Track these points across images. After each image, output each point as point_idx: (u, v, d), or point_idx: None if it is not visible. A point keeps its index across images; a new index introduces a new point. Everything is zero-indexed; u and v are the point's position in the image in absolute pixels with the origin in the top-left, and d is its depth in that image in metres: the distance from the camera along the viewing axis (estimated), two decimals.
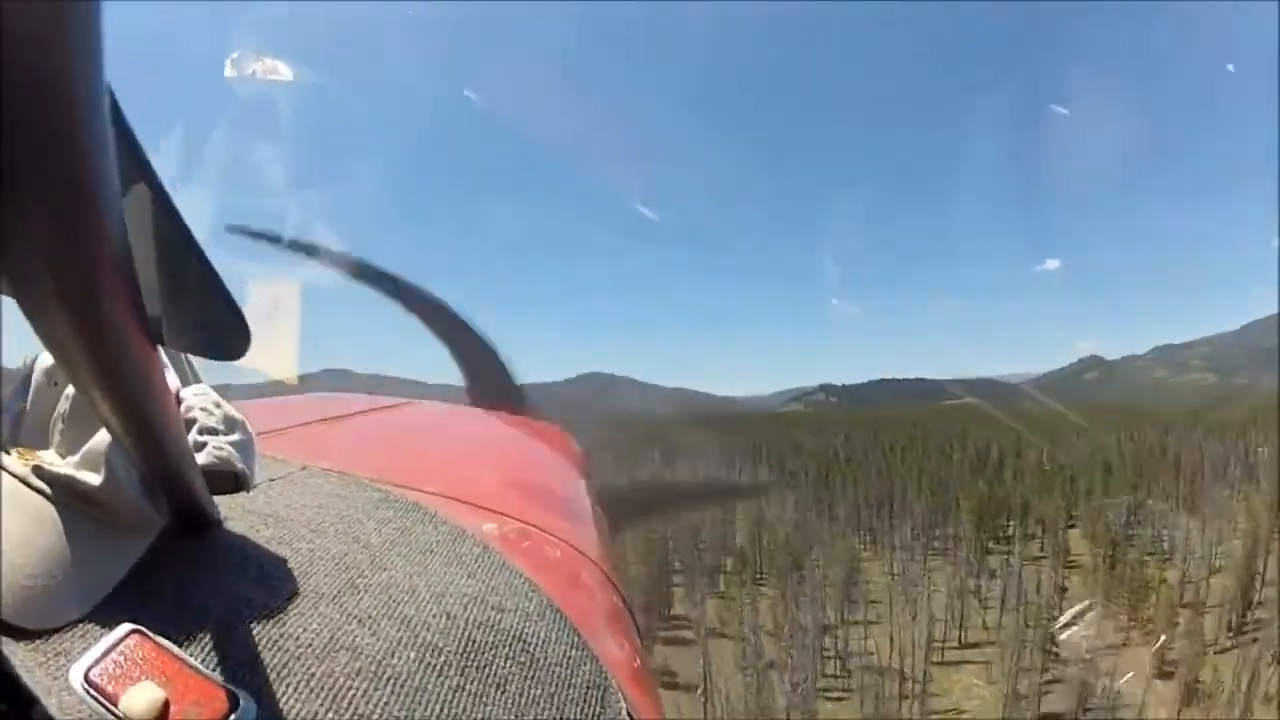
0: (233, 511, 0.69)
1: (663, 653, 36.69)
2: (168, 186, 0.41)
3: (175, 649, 0.48)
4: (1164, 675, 35.52)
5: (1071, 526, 50.41)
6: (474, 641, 0.63)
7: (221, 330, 0.47)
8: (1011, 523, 52.38)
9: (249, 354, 0.47)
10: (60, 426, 0.63)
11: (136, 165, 0.38)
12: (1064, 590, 42.57)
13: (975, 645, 41.07)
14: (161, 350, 0.46)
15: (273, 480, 0.82)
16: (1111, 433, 71.45)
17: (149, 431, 0.49)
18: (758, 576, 47.31)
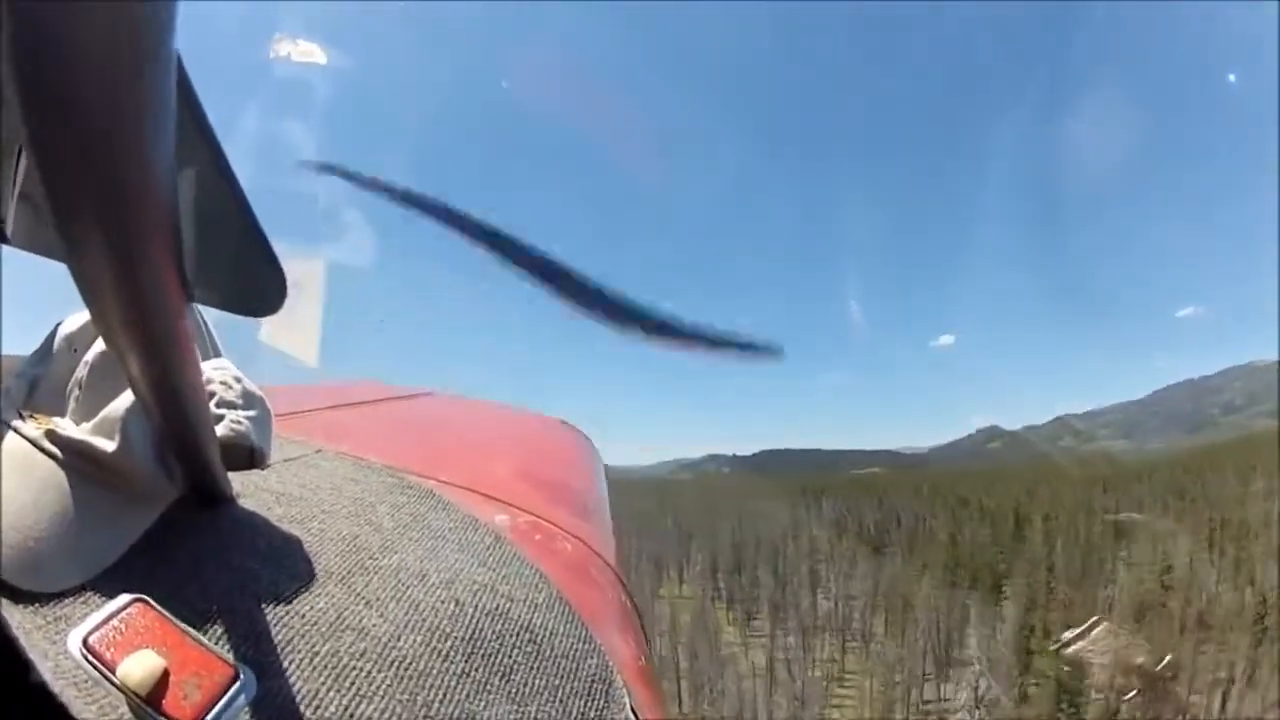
0: (246, 488, 0.69)
1: None
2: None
3: (178, 620, 0.47)
4: None
5: None
6: (481, 629, 0.63)
7: (256, 283, 0.46)
8: None
9: (276, 321, 0.46)
10: (77, 393, 0.62)
11: (192, 116, 0.37)
12: None
13: None
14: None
15: (288, 460, 0.82)
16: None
17: (172, 391, 0.49)
18: None
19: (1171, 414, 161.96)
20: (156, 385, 0.48)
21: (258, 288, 0.47)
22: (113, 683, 0.42)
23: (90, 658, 0.42)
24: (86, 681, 0.42)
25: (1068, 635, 40.23)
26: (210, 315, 0.68)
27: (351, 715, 0.50)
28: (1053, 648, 39.46)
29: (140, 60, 0.28)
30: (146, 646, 0.44)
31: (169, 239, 0.37)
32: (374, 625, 0.57)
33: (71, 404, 0.62)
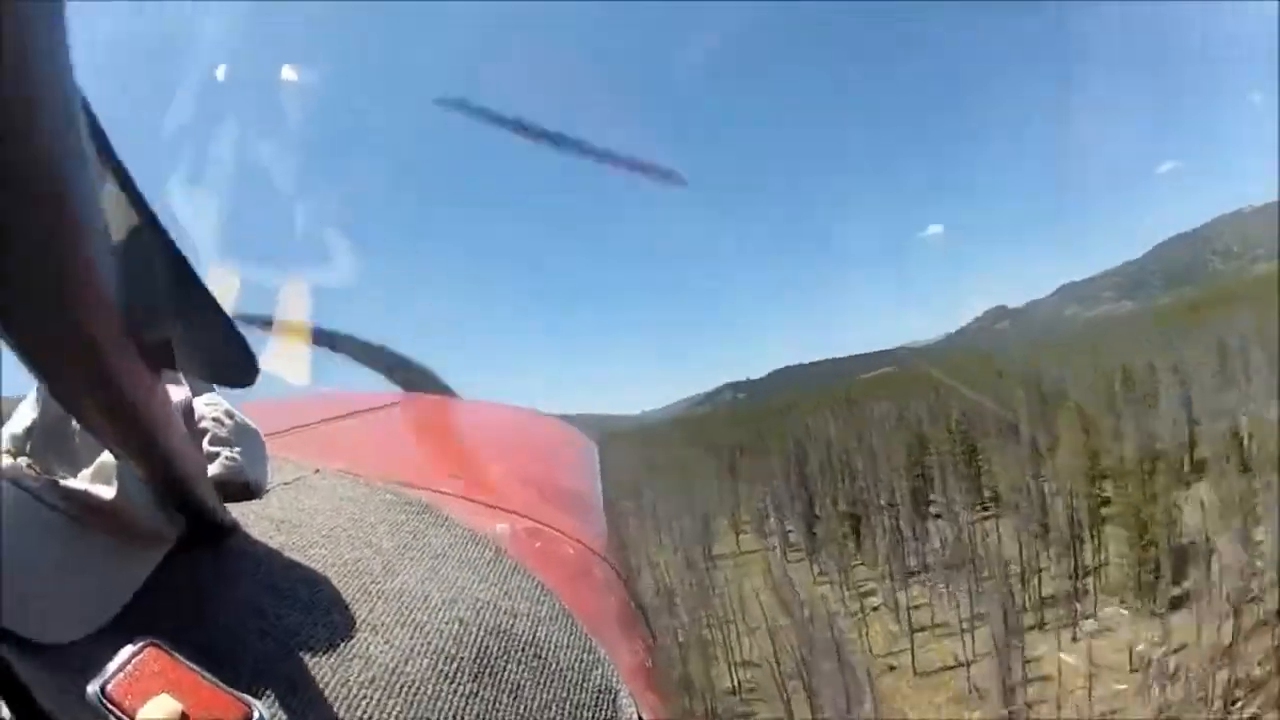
0: (246, 517, 0.69)
1: None
2: (156, 208, 0.41)
3: (189, 661, 0.47)
4: None
5: None
6: (487, 648, 0.63)
7: (228, 358, 0.48)
8: None
9: (260, 371, 0.48)
10: (74, 439, 0.61)
11: (120, 183, 0.38)
12: None
13: None
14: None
15: (285, 484, 0.82)
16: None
17: (155, 454, 0.49)
18: None
19: (1171, 269, 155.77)
20: (136, 454, 0.48)
21: (227, 359, 0.47)
22: None
23: (110, 706, 0.42)
24: None
25: None
26: None
27: None
28: None
29: (48, 132, 0.26)
30: (162, 691, 0.44)
31: (114, 314, 0.36)
32: (380, 652, 0.57)
33: (68, 450, 0.61)
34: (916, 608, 32.73)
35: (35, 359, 0.35)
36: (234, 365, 0.48)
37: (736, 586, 38.13)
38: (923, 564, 34.98)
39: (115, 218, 0.38)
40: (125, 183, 0.38)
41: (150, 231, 0.40)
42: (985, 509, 38.94)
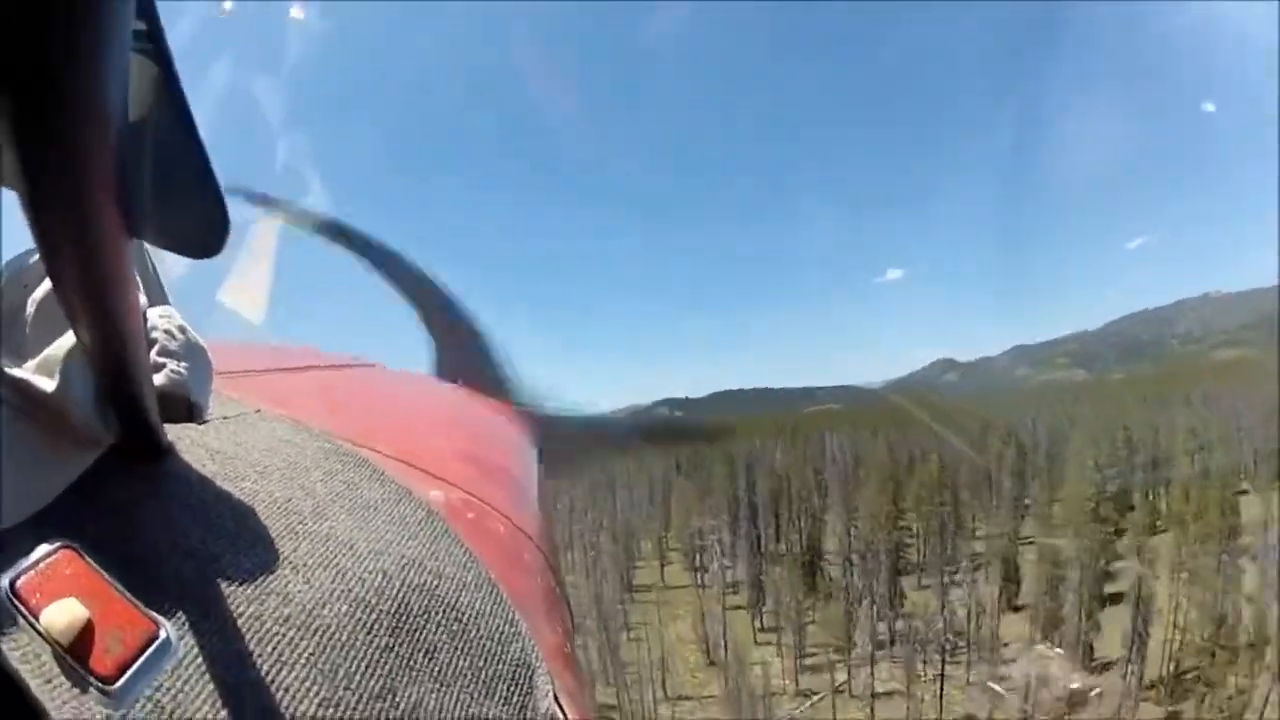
0: (181, 442, 0.67)
1: None
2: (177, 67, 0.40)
3: (104, 571, 0.46)
4: None
5: None
6: (407, 604, 0.63)
7: (200, 222, 0.46)
8: None
9: (230, 280, 0.63)
10: (25, 330, 0.60)
11: (150, 35, 0.38)
12: None
13: None
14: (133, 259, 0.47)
15: (226, 418, 0.80)
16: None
17: (110, 332, 0.48)
18: None
19: (1129, 344, 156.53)
20: (95, 324, 0.47)
21: (199, 228, 0.46)
22: (36, 629, 0.41)
23: (15, 602, 0.41)
24: (11, 626, 0.41)
25: None
26: (169, 270, 0.67)
27: (271, 681, 0.49)
28: None
29: None
30: (71, 595, 0.43)
31: (111, 168, 0.36)
32: (299, 591, 0.56)
33: (19, 341, 0.60)
34: (889, 695, 25.17)
35: (34, 201, 0.35)
36: (208, 230, 0.46)
37: (658, 632, 30.13)
38: (895, 635, 27.50)
39: (139, 78, 0.38)
40: (157, 45, 0.38)
41: (170, 96, 0.40)
42: (974, 569, 31.83)
